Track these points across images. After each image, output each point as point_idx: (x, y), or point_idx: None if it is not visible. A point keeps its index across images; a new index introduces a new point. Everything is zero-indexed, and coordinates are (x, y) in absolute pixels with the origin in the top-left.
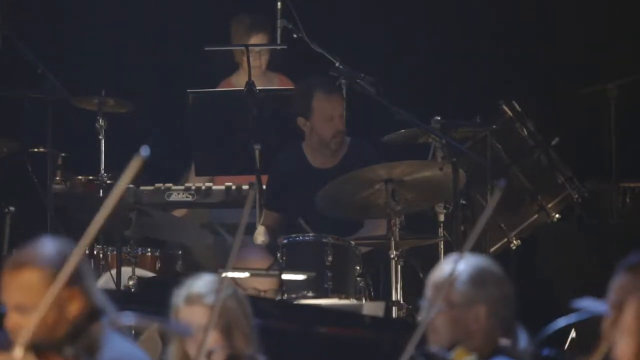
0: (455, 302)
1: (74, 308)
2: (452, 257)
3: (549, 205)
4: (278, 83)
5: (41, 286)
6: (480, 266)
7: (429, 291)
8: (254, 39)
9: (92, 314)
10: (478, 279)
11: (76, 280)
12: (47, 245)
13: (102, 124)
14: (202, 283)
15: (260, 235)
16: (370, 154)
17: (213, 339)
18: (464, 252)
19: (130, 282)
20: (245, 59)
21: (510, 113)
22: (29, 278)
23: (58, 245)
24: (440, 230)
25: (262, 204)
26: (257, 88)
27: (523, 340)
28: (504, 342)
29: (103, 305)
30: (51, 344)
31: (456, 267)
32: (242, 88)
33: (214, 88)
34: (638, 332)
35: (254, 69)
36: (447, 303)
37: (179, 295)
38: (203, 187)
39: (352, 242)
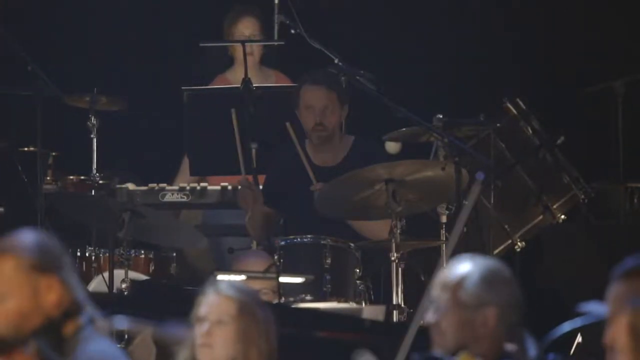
0: (465, 302)
1: (51, 298)
2: (461, 257)
3: (555, 206)
4: (275, 80)
5: (16, 275)
6: (491, 267)
7: (435, 291)
8: (243, 24)
9: (70, 310)
10: (489, 280)
11: (53, 268)
12: (25, 235)
13: (94, 122)
14: (235, 283)
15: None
16: (375, 153)
17: (227, 334)
18: (450, 247)
19: (123, 285)
20: (237, 51)
21: (514, 111)
22: (4, 266)
23: (37, 236)
24: (443, 232)
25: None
26: (254, 85)
27: (531, 346)
28: (510, 347)
29: (83, 303)
30: (18, 338)
31: (467, 266)
32: (238, 85)
33: (209, 85)
34: (633, 350)
35: (246, 57)
36: (456, 303)
37: (209, 285)
38: (198, 188)
39: (352, 244)
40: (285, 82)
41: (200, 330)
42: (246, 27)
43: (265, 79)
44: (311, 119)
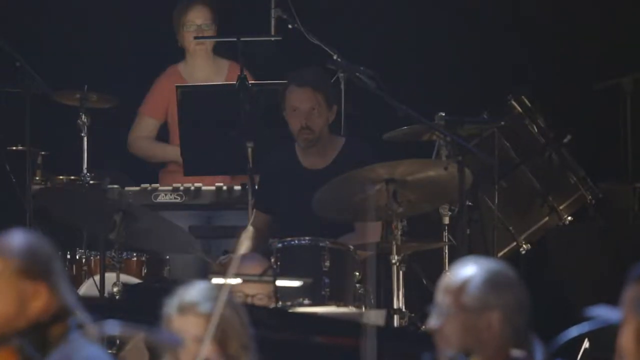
0: (468, 306)
1: (37, 305)
2: (464, 259)
3: (561, 207)
4: (228, 70)
5: (3, 279)
6: (495, 269)
7: (439, 295)
8: (194, 13)
9: (57, 315)
10: (493, 282)
11: (42, 274)
12: (16, 237)
13: (85, 120)
14: (195, 291)
15: (245, 242)
16: (366, 154)
17: (208, 349)
18: None
19: (115, 289)
20: (187, 41)
21: (519, 109)
22: None
23: (27, 238)
24: (445, 233)
25: (253, 204)
26: (250, 82)
27: (539, 351)
28: (517, 352)
29: (72, 306)
30: (1, 340)
31: (470, 269)
32: (186, 77)
33: (160, 75)
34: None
35: (197, 51)
36: (459, 308)
37: (171, 304)
38: (192, 188)
39: (351, 247)
40: (238, 73)
41: (184, 355)
42: (197, 16)
43: (217, 70)
44: (297, 122)
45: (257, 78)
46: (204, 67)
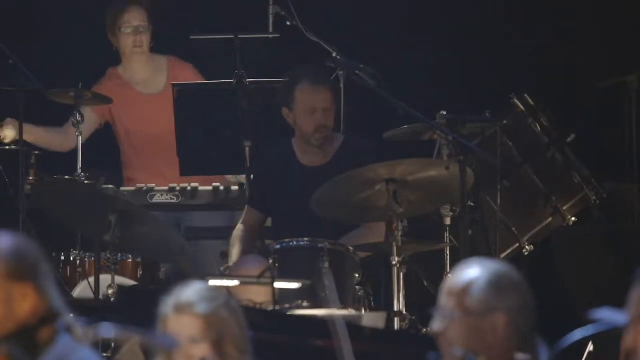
0: (472, 309)
1: (25, 307)
2: (468, 261)
3: (565, 208)
4: (167, 65)
5: None
6: (499, 271)
7: (442, 298)
8: (130, 15)
9: (45, 317)
10: (497, 284)
11: (29, 276)
12: (2, 239)
13: (80, 119)
14: (192, 291)
15: (237, 244)
16: (366, 151)
17: (203, 351)
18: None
19: (110, 291)
20: (124, 43)
21: (522, 107)
22: None
23: (14, 240)
24: (446, 234)
25: (246, 201)
26: (247, 80)
27: (543, 354)
28: (522, 356)
29: (59, 309)
30: None
31: (473, 271)
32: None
33: (102, 78)
34: None
35: (134, 54)
36: (463, 310)
37: (168, 304)
38: (189, 188)
39: (351, 248)
40: (179, 65)
41: (178, 357)
42: (134, 17)
43: (157, 68)
44: (313, 122)
45: (252, 77)
46: (142, 69)
